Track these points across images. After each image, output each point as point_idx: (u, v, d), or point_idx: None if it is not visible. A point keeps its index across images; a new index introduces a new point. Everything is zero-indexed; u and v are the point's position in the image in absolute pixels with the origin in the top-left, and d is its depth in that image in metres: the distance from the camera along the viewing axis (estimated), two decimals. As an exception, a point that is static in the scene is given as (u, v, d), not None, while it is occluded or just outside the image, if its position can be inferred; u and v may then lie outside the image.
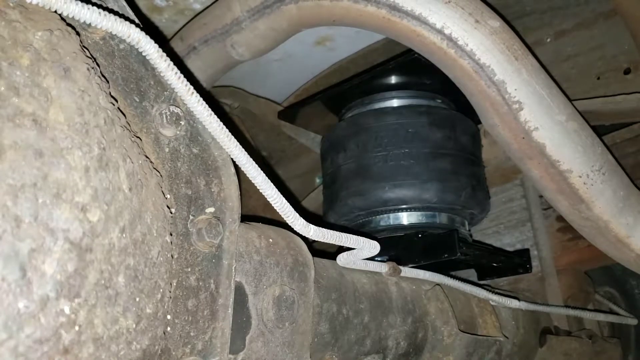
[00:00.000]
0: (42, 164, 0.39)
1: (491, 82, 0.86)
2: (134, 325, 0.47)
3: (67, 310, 0.38)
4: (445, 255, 1.12)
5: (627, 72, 1.22)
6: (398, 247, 1.15)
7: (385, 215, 1.20)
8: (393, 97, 1.26)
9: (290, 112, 1.44)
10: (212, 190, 0.68)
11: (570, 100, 0.94)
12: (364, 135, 1.21)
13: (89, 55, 0.50)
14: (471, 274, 1.40)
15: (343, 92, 1.28)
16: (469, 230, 1.31)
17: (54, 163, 0.39)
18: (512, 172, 1.40)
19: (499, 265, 1.31)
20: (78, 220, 0.39)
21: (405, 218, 1.20)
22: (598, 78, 1.24)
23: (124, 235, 0.45)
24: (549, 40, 1.28)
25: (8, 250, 0.36)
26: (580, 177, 0.93)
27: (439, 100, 1.29)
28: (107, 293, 0.42)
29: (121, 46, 0.61)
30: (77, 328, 0.39)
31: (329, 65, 1.47)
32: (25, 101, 0.40)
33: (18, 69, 0.40)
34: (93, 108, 0.45)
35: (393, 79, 1.24)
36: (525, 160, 0.96)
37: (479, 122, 1.08)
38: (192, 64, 1.10)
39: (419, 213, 1.18)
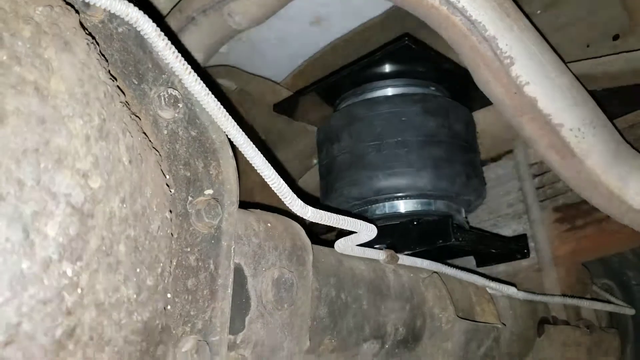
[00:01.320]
0: (44, 130, 0.39)
1: (483, 39, 0.88)
2: (135, 296, 0.48)
3: (69, 272, 0.39)
4: (440, 241, 1.12)
5: (615, 38, 1.24)
6: (394, 235, 1.15)
7: (380, 204, 1.21)
8: (386, 86, 1.27)
9: (287, 105, 1.44)
10: (211, 172, 0.69)
11: (561, 57, 0.96)
12: (357, 125, 1.21)
13: (89, 34, 0.51)
14: (470, 262, 1.41)
15: (336, 82, 1.28)
16: (466, 217, 1.31)
17: (56, 130, 0.40)
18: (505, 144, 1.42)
19: (497, 252, 1.31)
20: (79, 186, 0.40)
21: (401, 206, 1.20)
22: (588, 46, 1.26)
23: (125, 205, 0.46)
24: (539, 12, 1.29)
25: (12, 211, 0.36)
26: (571, 130, 0.94)
27: (433, 88, 1.29)
28: (109, 260, 0.43)
29: (120, 29, 0.62)
30: (79, 291, 0.40)
31: (324, 45, 1.49)
32: (27, 70, 0.40)
33: (20, 40, 0.41)
34: (93, 81, 0.46)
35: (386, 68, 1.25)
36: (517, 116, 0.97)
37: (473, 109, 1.09)
38: (190, 35, 1.11)
39: (414, 201, 1.19)
